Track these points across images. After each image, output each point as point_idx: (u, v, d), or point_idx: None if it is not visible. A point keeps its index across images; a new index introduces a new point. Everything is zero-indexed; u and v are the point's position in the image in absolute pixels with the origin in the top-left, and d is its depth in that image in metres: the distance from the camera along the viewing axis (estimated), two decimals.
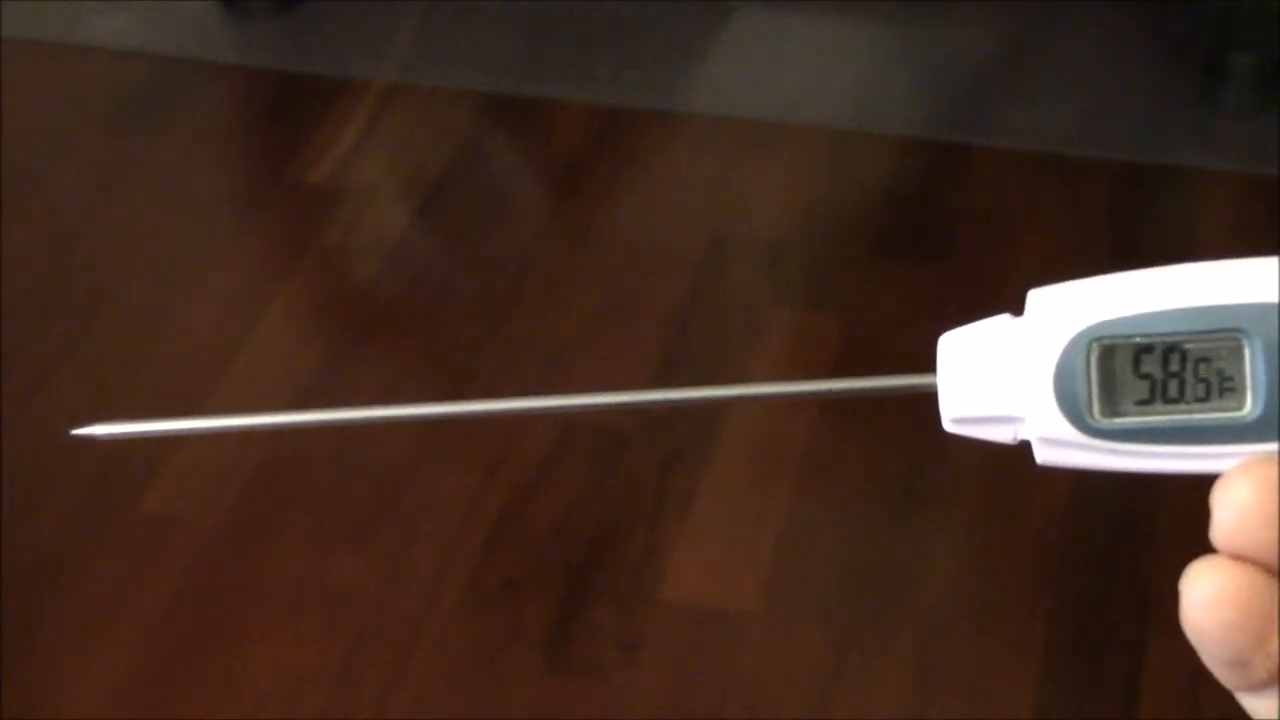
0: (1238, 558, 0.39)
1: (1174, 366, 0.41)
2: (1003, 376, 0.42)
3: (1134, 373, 0.41)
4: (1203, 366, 0.41)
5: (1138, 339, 0.41)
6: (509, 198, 1.68)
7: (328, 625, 1.30)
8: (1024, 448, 0.42)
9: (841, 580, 1.34)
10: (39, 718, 1.25)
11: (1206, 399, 0.41)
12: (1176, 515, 1.28)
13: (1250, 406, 0.40)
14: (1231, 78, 1.69)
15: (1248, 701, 0.40)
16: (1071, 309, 0.41)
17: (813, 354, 1.49)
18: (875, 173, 1.69)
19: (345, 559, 1.35)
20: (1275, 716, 0.40)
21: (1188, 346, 0.41)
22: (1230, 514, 0.39)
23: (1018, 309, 0.42)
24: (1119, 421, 0.41)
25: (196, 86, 1.81)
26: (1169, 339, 0.41)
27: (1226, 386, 0.41)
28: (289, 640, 1.29)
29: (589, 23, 1.84)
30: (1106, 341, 0.41)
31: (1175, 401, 0.41)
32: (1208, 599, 0.38)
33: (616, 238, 1.62)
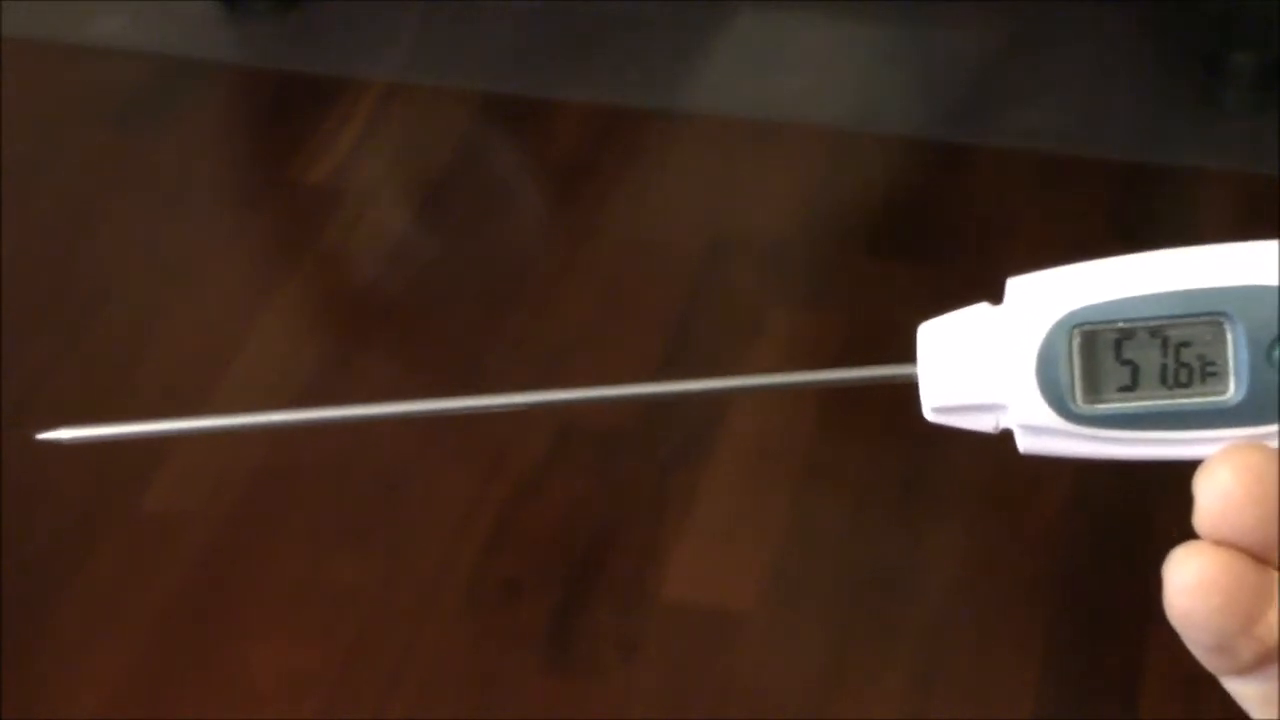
0: (1221, 543, 0.39)
1: (1156, 351, 0.41)
2: (984, 364, 0.41)
3: (1116, 358, 0.41)
4: (1185, 351, 0.41)
5: (1120, 324, 0.41)
6: (509, 198, 1.68)
7: (328, 625, 1.30)
8: (1006, 436, 0.42)
9: (841, 580, 1.34)
10: (39, 718, 1.25)
11: (1189, 384, 0.41)
12: (1177, 515, 1.28)
13: (1233, 391, 0.40)
14: (1231, 78, 1.69)
15: (1233, 686, 0.40)
16: (1052, 295, 0.41)
17: (812, 354, 1.49)
18: (875, 173, 1.69)
19: (345, 559, 1.35)
20: (1259, 700, 0.40)
21: (1170, 331, 0.40)
22: (1213, 499, 0.39)
23: (997, 298, 0.42)
24: (1102, 408, 0.41)
25: (196, 86, 1.81)
26: (1151, 324, 0.40)
27: (1209, 371, 0.41)
28: (289, 640, 1.29)
29: (589, 23, 1.84)
30: (1088, 327, 0.41)
31: (1158, 387, 0.41)
32: (1192, 584, 0.38)
33: (616, 238, 1.62)
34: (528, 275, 1.58)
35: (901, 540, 1.36)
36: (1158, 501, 1.31)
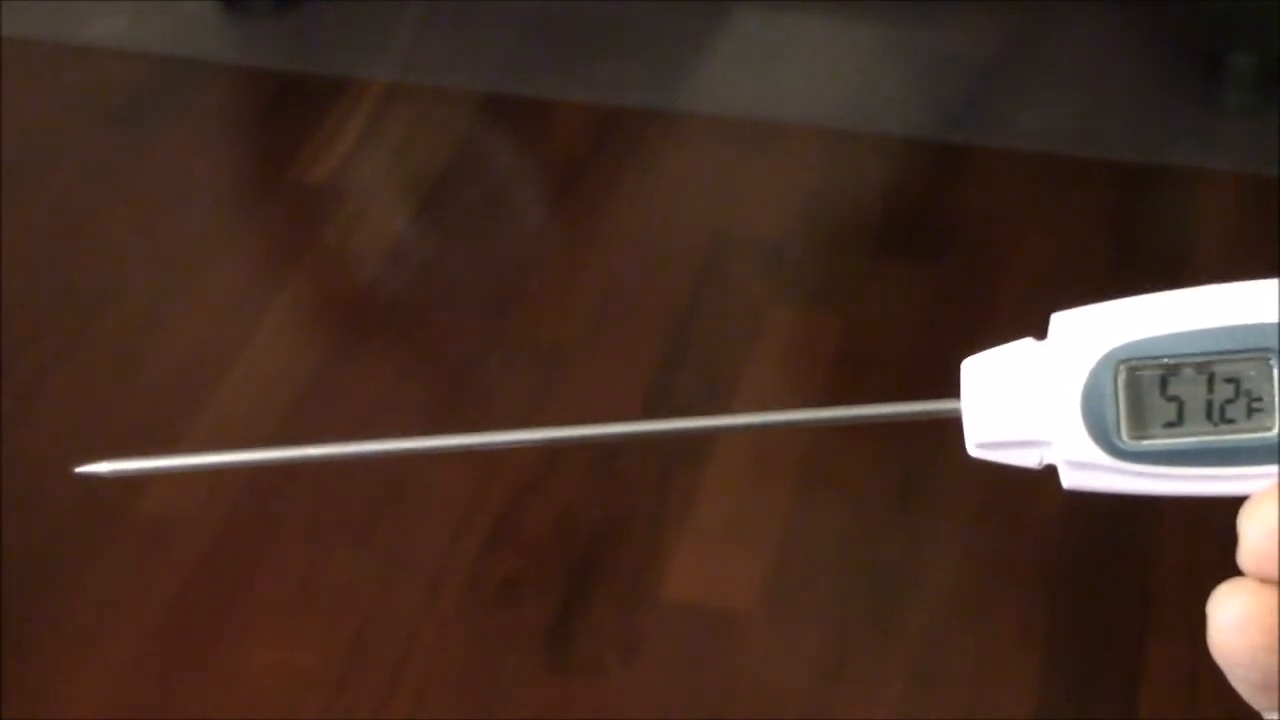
0: (1265, 580, 0.38)
1: (1201, 387, 0.41)
2: (1029, 400, 0.41)
3: (1161, 394, 0.41)
4: (1231, 387, 0.40)
5: (1165, 360, 0.40)
6: (509, 198, 1.68)
7: (328, 625, 1.30)
8: (1050, 472, 0.42)
9: (841, 580, 1.34)
10: (40, 717, 1.25)
11: (1235, 420, 0.41)
12: (1177, 515, 1.28)
13: (1279, 427, 0.40)
14: (1231, 78, 1.69)
15: None
16: (1097, 331, 0.41)
17: (812, 354, 1.49)
18: (875, 173, 1.69)
19: (345, 559, 1.35)
20: None
21: (1215, 367, 0.40)
22: (1259, 537, 0.38)
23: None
24: (1147, 444, 0.41)
25: (196, 86, 1.81)
26: (1196, 360, 0.40)
27: (1255, 407, 0.40)
28: (289, 640, 1.29)
29: (589, 23, 1.84)
30: (1134, 363, 0.41)
31: (1203, 423, 0.41)
32: (1235, 622, 0.38)
33: (616, 238, 1.62)
34: (528, 275, 1.58)
35: (901, 540, 1.36)
36: (1158, 501, 1.31)
